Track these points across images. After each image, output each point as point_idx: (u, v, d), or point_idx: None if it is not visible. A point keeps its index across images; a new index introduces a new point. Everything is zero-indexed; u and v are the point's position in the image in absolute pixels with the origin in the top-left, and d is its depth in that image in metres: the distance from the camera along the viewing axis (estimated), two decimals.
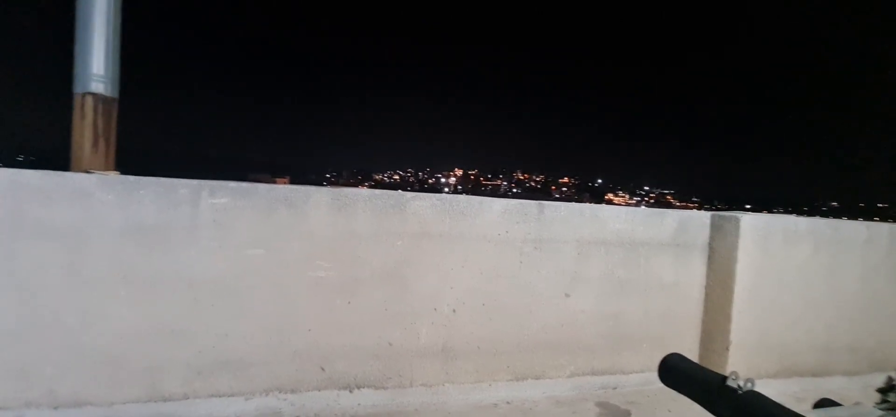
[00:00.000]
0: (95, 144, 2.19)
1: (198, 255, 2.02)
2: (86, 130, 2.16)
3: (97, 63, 2.15)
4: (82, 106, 2.16)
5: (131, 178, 1.94)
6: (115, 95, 2.25)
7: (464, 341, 2.40)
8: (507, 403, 2.32)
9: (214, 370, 2.07)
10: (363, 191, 2.24)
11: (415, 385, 2.33)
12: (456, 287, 2.37)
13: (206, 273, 2.03)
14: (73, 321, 1.90)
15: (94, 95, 2.17)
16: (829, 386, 2.80)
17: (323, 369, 2.21)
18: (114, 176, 1.93)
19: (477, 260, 2.40)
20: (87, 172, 1.96)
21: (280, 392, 2.15)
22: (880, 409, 0.79)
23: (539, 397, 2.40)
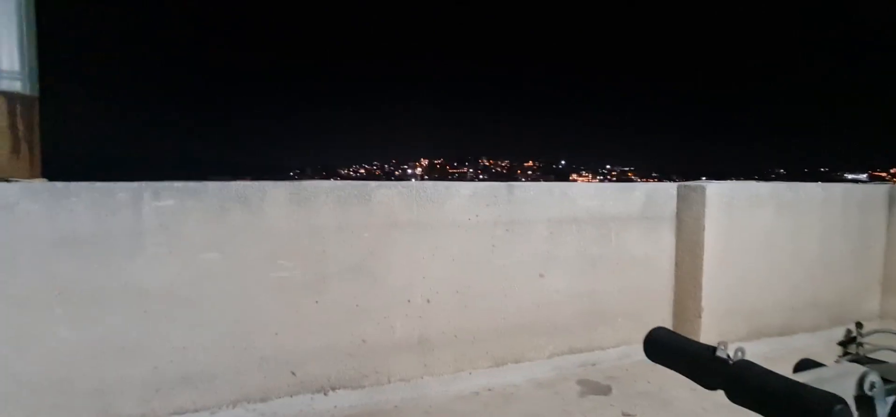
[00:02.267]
0: (16, 149, 1.95)
1: (145, 264, 1.85)
2: (2, 135, 1.92)
3: (9, 58, 1.90)
4: None
5: (59, 184, 1.75)
6: (36, 93, 2.01)
7: (440, 331, 2.33)
8: (489, 390, 2.27)
9: (174, 385, 1.92)
10: (324, 182, 2.11)
11: (393, 380, 2.25)
12: (428, 277, 2.29)
13: (156, 283, 1.87)
14: (4, 346, 1.71)
15: (8, 94, 1.92)
16: (795, 344, 2.91)
17: (294, 373, 2.09)
18: (39, 184, 1.73)
19: (448, 247, 2.32)
20: (8, 180, 1.75)
21: (248, 403, 2.02)
22: (850, 361, 0.77)
23: (520, 381, 2.37)
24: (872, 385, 0.60)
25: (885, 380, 0.62)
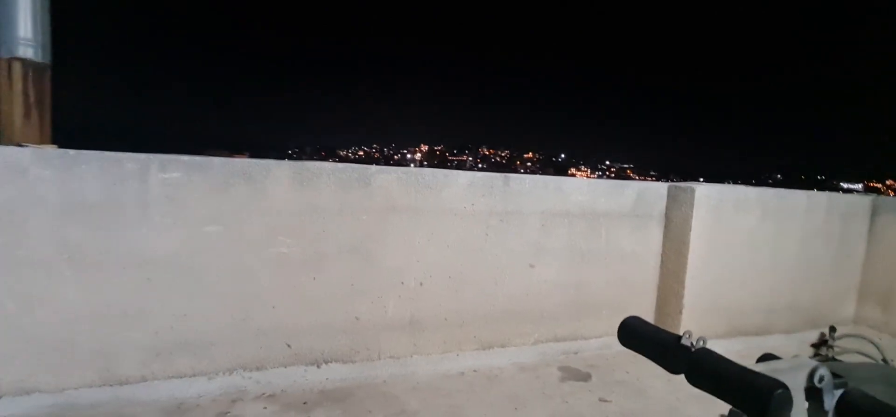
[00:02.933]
0: (28, 114, 2.00)
1: (150, 233, 1.92)
2: (15, 99, 1.97)
3: (24, 25, 1.95)
4: (10, 72, 1.96)
5: (71, 152, 1.80)
6: (48, 60, 2.05)
7: (431, 313, 2.42)
8: (474, 371, 2.38)
9: (174, 350, 2.00)
10: (326, 164, 2.17)
11: (383, 357, 2.34)
12: (423, 260, 2.37)
13: (159, 252, 1.94)
14: (12, 305, 1.78)
15: (22, 60, 1.97)
16: (770, 344, 3.03)
17: (289, 345, 2.18)
18: (51, 150, 1.79)
19: (443, 233, 2.40)
20: (20, 145, 1.80)
21: (244, 371, 2.11)
22: (815, 360, 0.86)
23: (505, 364, 2.47)
24: (821, 378, 0.68)
25: (835, 375, 0.71)
